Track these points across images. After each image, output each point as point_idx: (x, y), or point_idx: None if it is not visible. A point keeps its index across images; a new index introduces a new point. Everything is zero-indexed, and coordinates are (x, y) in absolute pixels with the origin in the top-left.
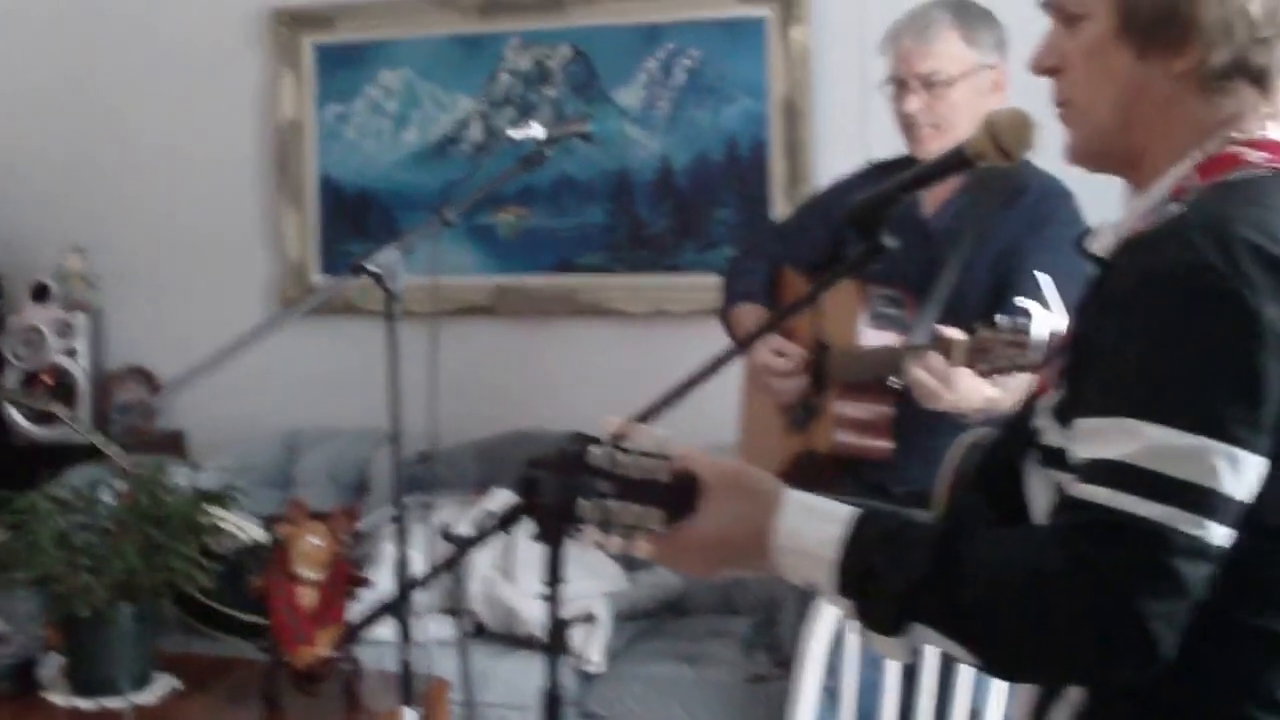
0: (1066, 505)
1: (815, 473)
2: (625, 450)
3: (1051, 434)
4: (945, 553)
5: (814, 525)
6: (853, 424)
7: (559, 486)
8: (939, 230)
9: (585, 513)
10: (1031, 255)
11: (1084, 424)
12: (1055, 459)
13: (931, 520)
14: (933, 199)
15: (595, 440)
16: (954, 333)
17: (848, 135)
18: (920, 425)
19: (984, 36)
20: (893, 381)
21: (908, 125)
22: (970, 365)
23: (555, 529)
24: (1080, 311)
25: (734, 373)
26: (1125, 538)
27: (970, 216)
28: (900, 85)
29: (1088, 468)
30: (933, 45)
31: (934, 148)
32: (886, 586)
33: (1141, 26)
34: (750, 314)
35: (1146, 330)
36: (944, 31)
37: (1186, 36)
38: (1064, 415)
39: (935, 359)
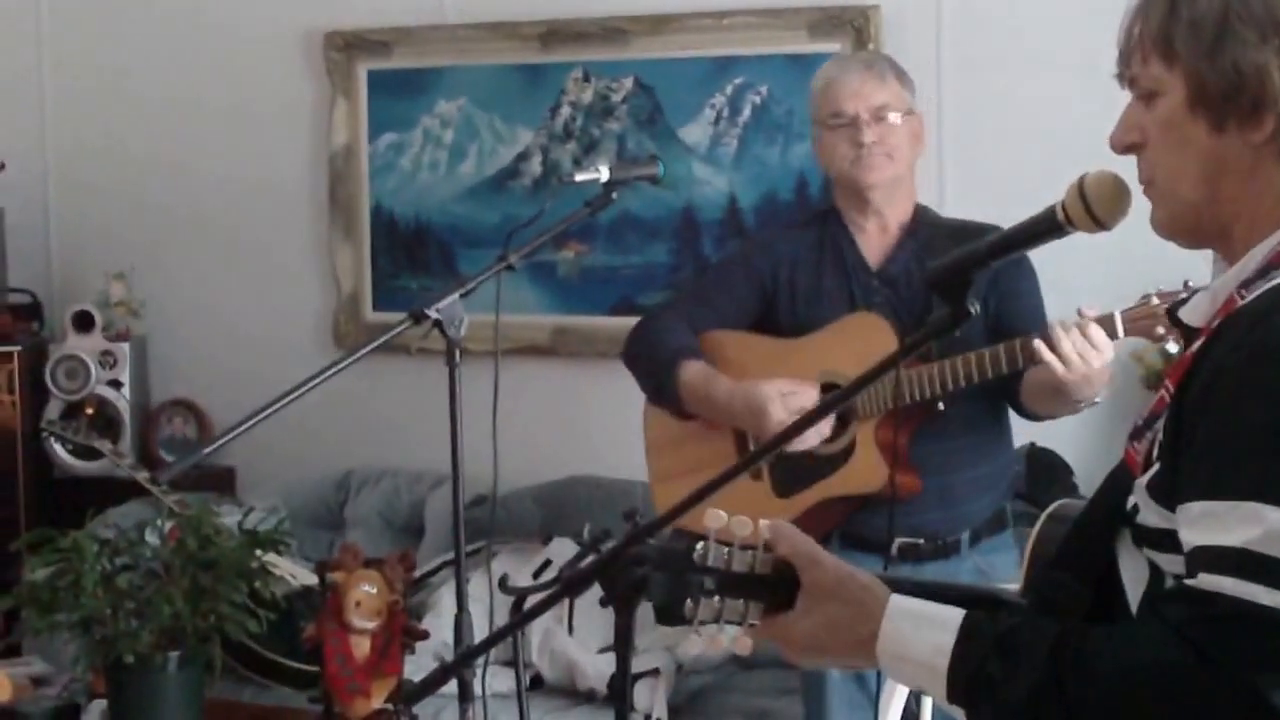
0: (1186, 595)
1: (829, 521)
2: (729, 544)
3: (1149, 513)
4: (1064, 655)
5: (922, 633)
6: (896, 458)
7: (669, 588)
8: (899, 275)
9: (691, 613)
10: (1014, 280)
11: (1197, 507)
12: (1151, 539)
13: (1016, 596)
14: (874, 252)
15: (698, 536)
16: (1093, 310)
17: (922, 172)
18: (938, 462)
19: (909, 86)
20: (941, 404)
21: (856, 157)
22: (1143, 333)
23: (625, 597)
24: (1182, 386)
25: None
26: (1255, 629)
27: (933, 257)
28: (850, 122)
29: (1205, 554)
30: (884, 82)
31: (887, 175)
32: (1007, 695)
33: (1213, 101)
34: (703, 368)
35: (1263, 407)
36: (887, 72)
37: (1259, 107)
38: (1162, 495)
39: (1096, 329)
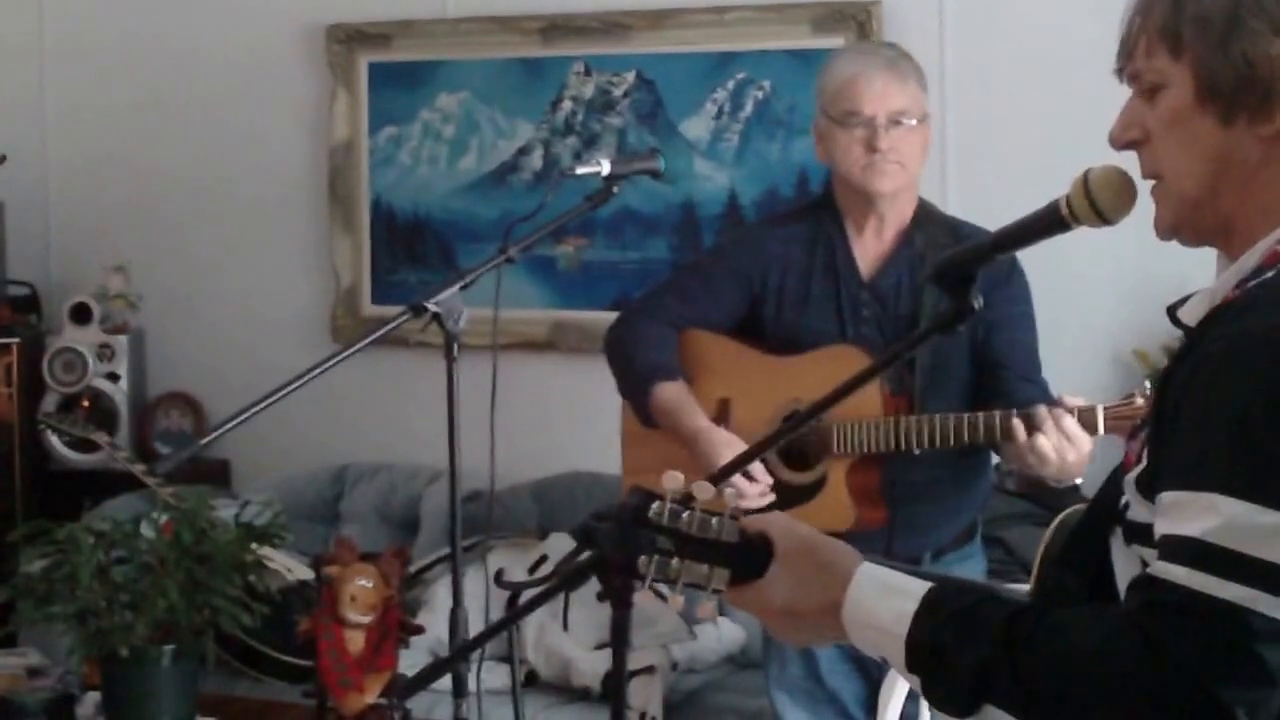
0: (1143, 584)
1: None
2: (688, 508)
3: (1137, 508)
4: (1017, 632)
5: (887, 600)
6: (864, 496)
7: (618, 540)
8: (890, 290)
9: (644, 569)
10: (1004, 307)
11: (1165, 497)
12: (1140, 534)
13: (1019, 595)
14: (868, 259)
15: (657, 496)
16: (1077, 400)
17: (926, 169)
18: (909, 493)
19: (925, 87)
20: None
21: (868, 163)
22: (1122, 431)
23: (622, 591)
24: (1166, 380)
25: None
26: (1203, 621)
27: (923, 273)
28: (866, 125)
29: (1165, 544)
30: (906, 86)
31: (898, 184)
32: (957, 665)
33: (1223, 93)
34: (677, 393)
35: (1233, 398)
36: (909, 75)
37: (1270, 99)
38: (1147, 489)
39: (1072, 423)
